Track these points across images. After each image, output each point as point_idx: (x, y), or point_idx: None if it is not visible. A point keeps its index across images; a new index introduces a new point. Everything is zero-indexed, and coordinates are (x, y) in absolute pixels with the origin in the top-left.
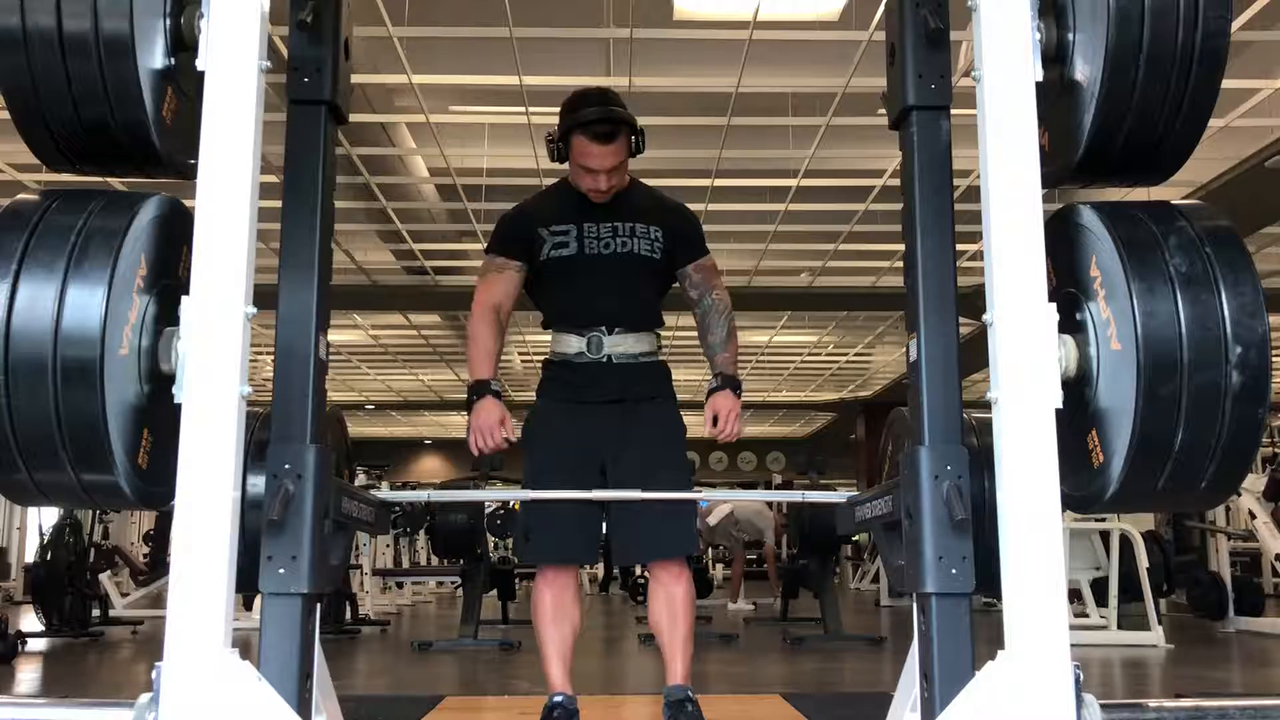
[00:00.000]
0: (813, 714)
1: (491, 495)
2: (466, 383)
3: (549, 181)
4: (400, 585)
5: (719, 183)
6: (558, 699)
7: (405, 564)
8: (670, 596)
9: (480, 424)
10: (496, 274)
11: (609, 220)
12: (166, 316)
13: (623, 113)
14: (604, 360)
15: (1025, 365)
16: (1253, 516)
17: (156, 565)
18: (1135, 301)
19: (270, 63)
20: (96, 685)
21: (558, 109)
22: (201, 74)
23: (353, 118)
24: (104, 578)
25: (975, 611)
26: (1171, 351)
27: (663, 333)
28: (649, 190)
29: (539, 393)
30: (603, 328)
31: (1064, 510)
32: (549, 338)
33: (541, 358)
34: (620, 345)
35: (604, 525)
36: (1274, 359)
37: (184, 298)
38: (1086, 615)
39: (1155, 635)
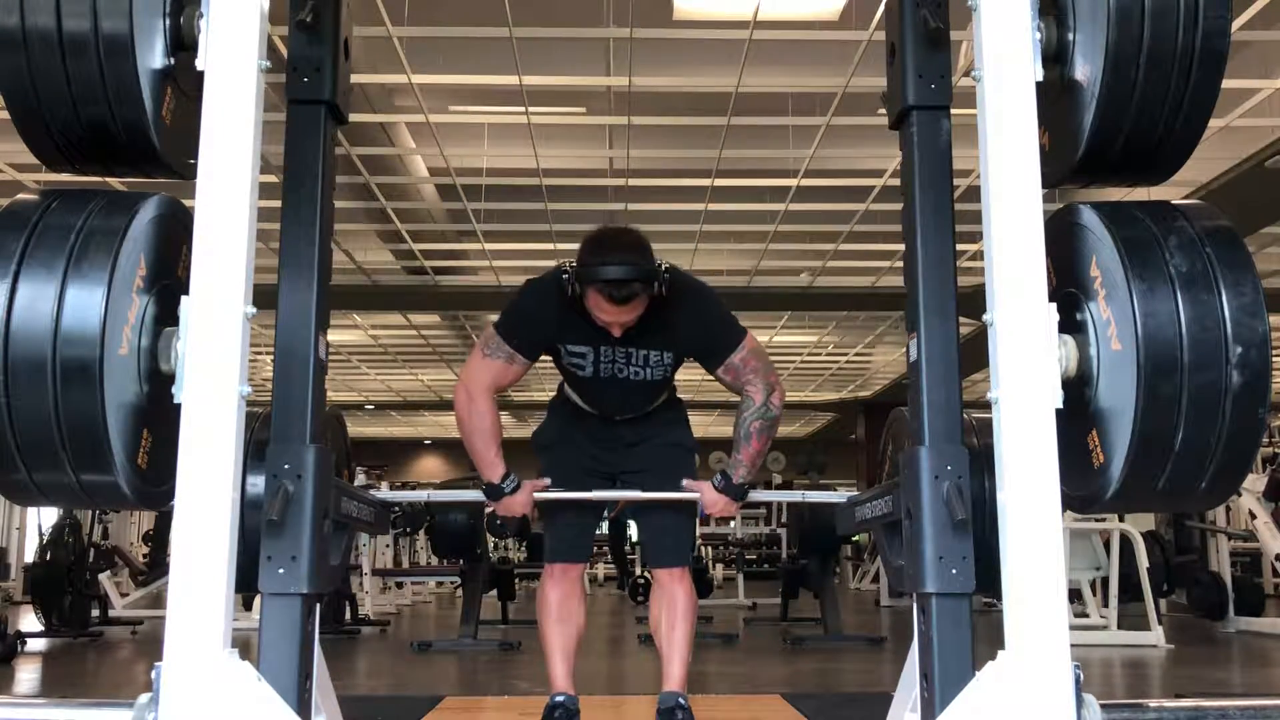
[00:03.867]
0: (813, 714)
1: None
2: (483, 484)
3: (549, 181)
4: (400, 585)
5: (719, 183)
6: (559, 699)
7: (405, 564)
8: (670, 599)
9: (509, 510)
10: (506, 364)
11: (624, 345)
12: (166, 316)
13: (645, 269)
14: (615, 419)
15: (1025, 365)
16: (1253, 516)
17: (156, 565)
18: (1135, 301)
19: (270, 63)
20: (96, 685)
21: (557, 109)
22: (201, 74)
23: (353, 118)
24: (104, 578)
25: (975, 611)
26: (1172, 351)
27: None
28: (670, 307)
29: (552, 411)
30: (615, 416)
31: (1064, 510)
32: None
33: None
34: (631, 417)
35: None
36: (1274, 359)
37: (184, 298)
38: (1086, 615)
39: (1155, 635)
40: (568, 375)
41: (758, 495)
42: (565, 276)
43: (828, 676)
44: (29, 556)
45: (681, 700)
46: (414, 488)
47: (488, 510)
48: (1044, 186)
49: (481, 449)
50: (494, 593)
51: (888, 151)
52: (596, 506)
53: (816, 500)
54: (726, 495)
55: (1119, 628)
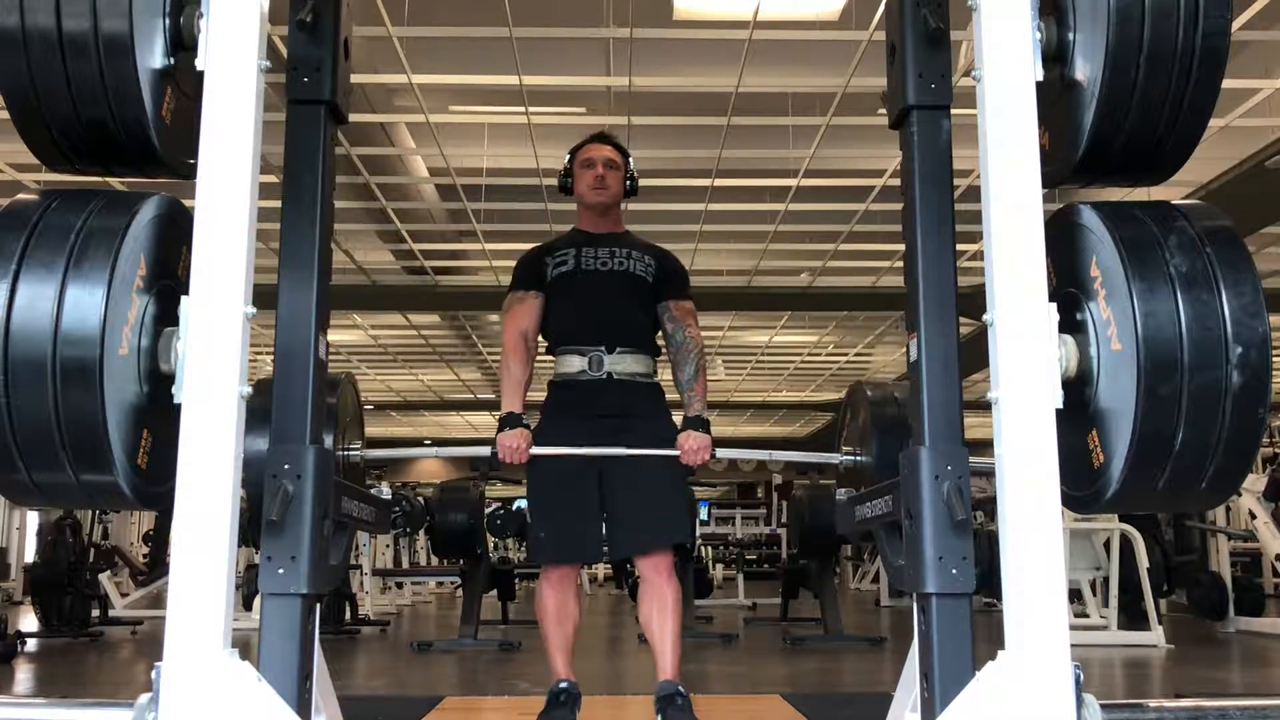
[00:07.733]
0: (813, 714)
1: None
2: (499, 413)
3: (548, 181)
4: (400, 585)
5: (719, 183)
6: (562, 684)
7: (405, 564)
8: (660, 596)
9: (510, 444)
10: (519, 304)
11: (607, 246)
12: (166, 316)
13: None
14: (604, 377)
15: (1025, 365)
16: (1253, 516)
17: (156, 565)
18: (1136, 301)
19: (270, 63)
20: (96, 685)
21: (557, 109)
22: (201, 74)
23: (353, 118)
24: (104, 578)
25: (975, 611)
26: (1172, 351)
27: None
28: (643, 238)
29: (542, 412)
30: (603, 347)
31: (1064, 510)
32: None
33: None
34: (619, 365)
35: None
36: (1274, 359)
37: (184, 298)
38: (1086, 615)
39: (1155, 635)
40: (555, 292)
41: (749, 454)
42: (561, 176)
43: (828, 676)
44: (29, 556)
45: (680, 688)
46: (414, 488)
47: (487, 510)
48: (1044, 186)
49: (506, 387)
50: (494, 593)
51: (888, 151)
52: (594, 515)
53: (817, 461)
54: (690, 429)
55: (1119, 628)
